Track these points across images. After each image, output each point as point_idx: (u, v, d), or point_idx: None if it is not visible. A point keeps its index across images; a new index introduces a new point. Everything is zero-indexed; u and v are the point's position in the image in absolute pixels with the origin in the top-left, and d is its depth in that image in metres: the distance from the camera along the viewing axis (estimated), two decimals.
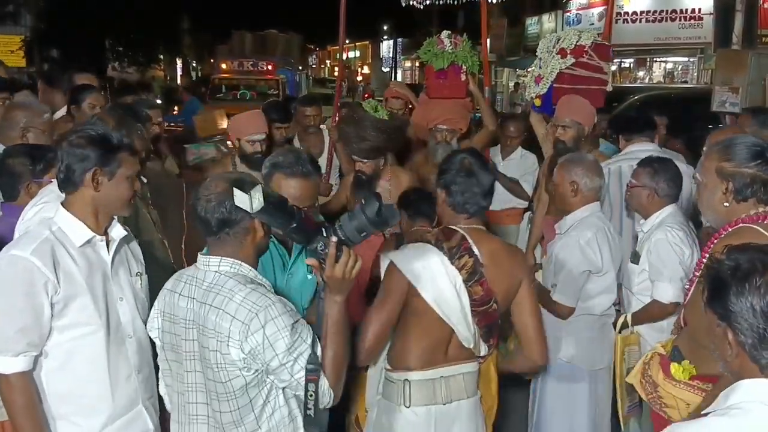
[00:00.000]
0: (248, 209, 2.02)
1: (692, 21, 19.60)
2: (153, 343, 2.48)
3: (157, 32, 25.86)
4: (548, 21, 26.35)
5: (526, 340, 2.82)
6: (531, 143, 5.86)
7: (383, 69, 51.32)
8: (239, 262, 2.20)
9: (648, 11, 20.45)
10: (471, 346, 2.73)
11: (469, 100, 5.44)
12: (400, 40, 44.44)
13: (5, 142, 3.59)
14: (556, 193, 3.68)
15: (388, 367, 2.75)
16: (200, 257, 2.24)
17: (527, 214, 5.52)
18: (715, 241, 2.56)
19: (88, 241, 2.42)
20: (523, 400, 4.12)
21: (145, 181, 3.75)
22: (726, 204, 2.52)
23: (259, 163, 4.54)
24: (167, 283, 2.31)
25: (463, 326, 2.66)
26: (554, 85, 5.03)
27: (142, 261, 2.71)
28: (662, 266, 3.46)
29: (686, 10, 19.68)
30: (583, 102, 4.73)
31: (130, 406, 2.51)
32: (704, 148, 4.38)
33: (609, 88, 5.19)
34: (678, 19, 19.84)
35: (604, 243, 3.46)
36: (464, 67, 5.25)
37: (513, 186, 5.65)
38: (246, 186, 2.05)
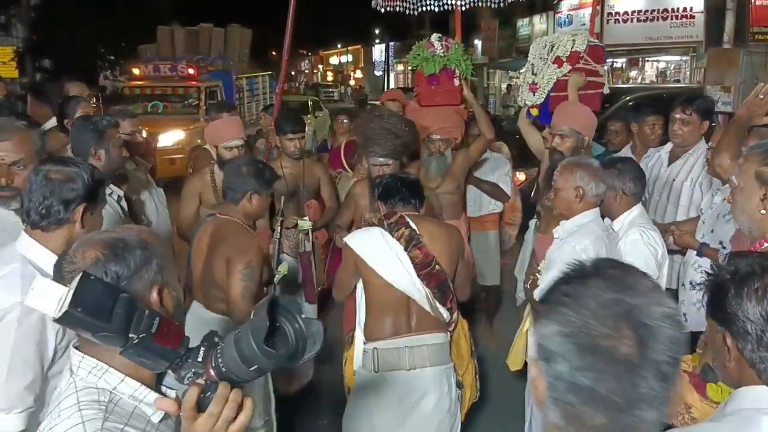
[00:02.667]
0: (48, 311, 1.32)
1: (684, 20, 19.63)
2: None
3: (147, 40, 25.77)
4: (539, 22, 26.38)
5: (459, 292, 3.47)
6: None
7: (376, 73, 51.35)
8: (106, 367, 1.50)
9: (639, 11, 20.48)
10: (429, 309, 3.22)
11: (463, 107, 5.17)
12: (392, 43, 44.51)
13: None
14: (557, 198, 3.50)
15: (364, 340, 3.29)
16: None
17: (533, 221, 5.13)
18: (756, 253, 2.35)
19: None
20: (519, 397, 4.12)
21: (122, 195, 3.77)
22: (763, 211, 2.36)
23: None
24: None
25: (412, 288, 3.18)
26: (551, 93, 4.82)
27: None
28: (638, 266, 3.43)
29: (678, 9, 19.71)
30: (582, 109, 4.47)
31: None
32: (659, 148, 4.50)
33: (606, 90, 4.99)
34: (669, 18, 19.86)
35: (601, 251, 3.33)
36: (457, 71, 4.97)
37: (492, 189, 5.49)
38: (117, 258, 1.48)
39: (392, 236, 3.21)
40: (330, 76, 67.56)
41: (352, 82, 53.93)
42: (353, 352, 3.40)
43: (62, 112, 4.79)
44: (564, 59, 4.73)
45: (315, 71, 77.66)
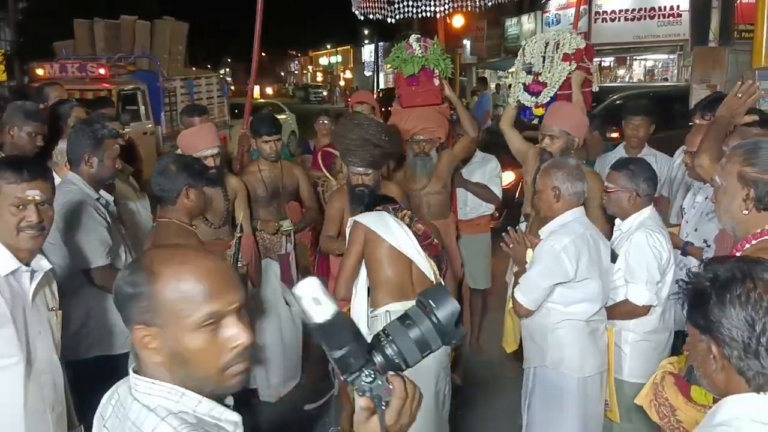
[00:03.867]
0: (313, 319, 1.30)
1: (671, 18, 19.70)
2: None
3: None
4: (528, 22, 26.42)
5: None
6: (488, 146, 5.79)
7: (365, 73, 51.35)
8: (182, 390, 1.40)
9: (627, 9, 20.55)
10: (430, 276, 3.57)
11: (446, 106, 5.11)
12: (381, 44, 44.49)
13: None
14: (539, 201, 3.57)
15: (371, 309, 3.54)
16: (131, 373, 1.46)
17: (523, 224, 4.97)
18: (738, 254, 2.35)
19: (13, 272, 2.35)
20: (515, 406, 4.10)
21: (111, 200, 3.73)
22: (746, 212, 2.34)
23: (215, 179, 4.28)
24: (103, 398, 1.53)
25: (417, 256, 3.56)
26: (557, 92, 4.74)
27: (57, 297, 2.61)
28: (640, 269, 3.46)
29: (665, 7, 19.77)
30: (573, 109, 4.44)
31: None
32: (682, 148, 4.46)
33: (595, 88, 4.97)
34: (657, 16, 19.93)
35: (583, 250, 3.34)
36: (437, 71, 4.92)
37: (482, 192, 5.44)
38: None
39: (397, 216, 3.60)
40: (320, 77, 67.51)
41: (342, 83, 53.90)
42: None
43: (56, 115, 4.77)
44: (572, 56, 4.69)
45: (305, 72, 77.60)
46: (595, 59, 5.11)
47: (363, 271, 3.70)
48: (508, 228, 3.66)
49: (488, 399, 4.91)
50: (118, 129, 4.58)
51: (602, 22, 20.30)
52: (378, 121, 4.68)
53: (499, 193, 5.54)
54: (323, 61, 70.20)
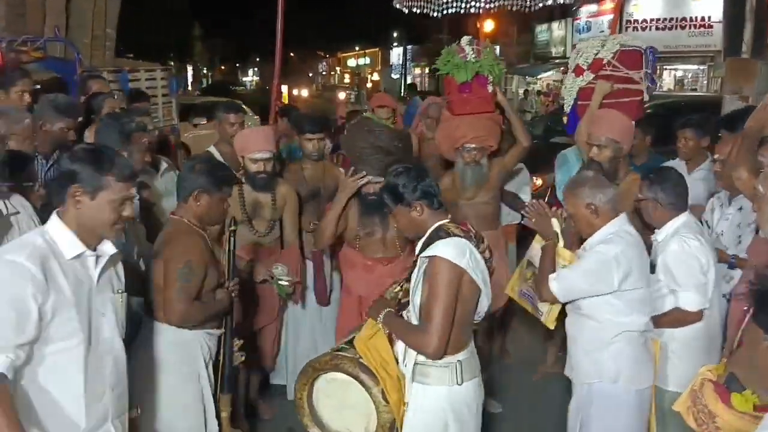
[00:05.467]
0: None
1: (702, 29, 19.57)
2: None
3: (168, 39, 26.10)
4: (558, 29, 26.37)
5: None
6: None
7: (393, 76, 51.41)
8: None
9: (658, 19, 20.44)
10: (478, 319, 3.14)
11: (498, 114, 4.83)
12: (409, 47, 44.55)
13: None
14: (575, 223, 3.41)
15: (439, 358, 2.91)
16: None
17: None
18: None
19: (78, 256, 2.40)
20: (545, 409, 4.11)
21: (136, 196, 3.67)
22: None
23: (264, 184, 4.32)
24: None
25: (486, 289, 3.01)
26: (579, 102, 4.65)
27: (123, 279, 2.67)
28: (685, 276, 3.41)
29: (696, 18, 19.65)
30: (619, 117, 4.26)
31: (99, 424, 2.47)
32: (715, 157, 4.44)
33: (646, 97, 4.70)
34: (688, 27, 19.82)
35: (633, 260, 3.24)
36: (490, 77, 4.62)
37: (513, 201, 5.25)
38: None
39: (478, 250, 2.99)
40: (347, 78, 67.72)
41: (369, 85, 54.03)
42: (392, 384, 2.99)
43: (89, 108, 4.86)
44: (585, 67, 4.58)
45: (332, 73, 77.89)
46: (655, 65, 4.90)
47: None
48: (531, 201, 3.62)
49: (518, 402, 4.92)
50: (148, 124, 4.59)
51: (633, 30, 20.18)
52: (389, 126, 4.56)
53: (528, 200, 5.30)
54: (351, 62, 70.40)
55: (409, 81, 43.82)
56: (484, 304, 3.01)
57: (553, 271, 3.40)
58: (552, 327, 3.65)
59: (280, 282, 4.26)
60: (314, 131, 4.74)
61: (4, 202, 2.91)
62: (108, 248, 2.50)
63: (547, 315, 3.60)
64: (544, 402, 4.86)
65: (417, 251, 3.00)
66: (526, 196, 5.39)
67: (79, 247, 2.39)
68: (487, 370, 4.93)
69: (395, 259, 4.18)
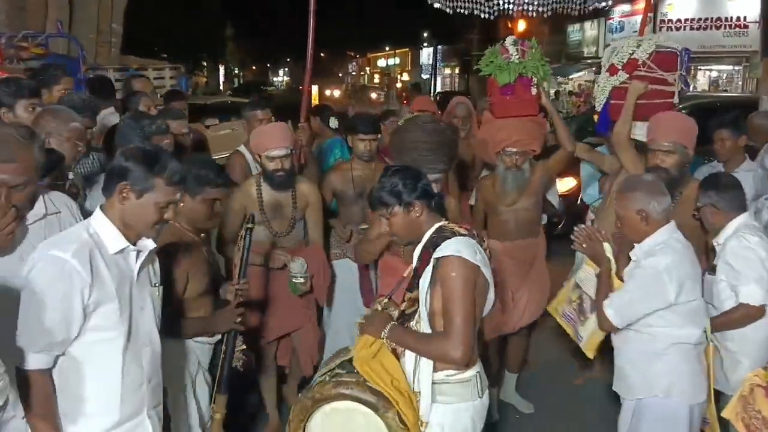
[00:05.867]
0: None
1: (737, 29, 19.30)
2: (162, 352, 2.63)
3: (201, 40, 26.37)
4: (590, 28, 26.14)
5: None
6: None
7: (423, 76, 51.35)
8: None
9: (692, 19, 20.19)
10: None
11: (542, 117, 4.69)
12: (440, 47, 44.46)
13: None
14: (623, 226, 3.26)
15: (455, 370, 2.74)
16: None
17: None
18: None
19: (122, 250, 2.46)
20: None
21: None
22: None
23: (282, 182, 4.19)
24: None
25: (491, 292, 2.86)
26: (611, 101, 4.57)
27: (159, 273, 2.72)
28: (746, 270, 3.38)
29: (731, 18, 19.38)
30: (682, 119, 4.03)
31: (135, 414, 2.52)
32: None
33: (675, 100, 4.55)
34: (723, 27, 19.55)
35: (686, 270, 3.12)
36: (534, 78, 4.45)
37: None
38: None
39: (482, 248, 2.85)
40: (377, 79, 67.76)
41: (398, 85, 54.02)
42: (406, 403, 2.74)
43: (126, 106, 4.93)
44: (619, 67, 4.48)
45: (362, 73, 77.98)
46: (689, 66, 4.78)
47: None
48: (576, 225, 3.51)
49: (540, 411, 4.90)
50: (180, 127, 4.58)
51: (667, 30, 19.95)
52: (440, 119, 4.51)
53: (556, 203, 5.36)
54: (381, 62, 70.42)
55: (438, 81, 43.89)
56: (488, 306, 2.86)
57: None
58: (591, 356, 3.51)
59: (293, 279, 4.16)
60: (368, 132, 4.67)
61: (44, 201, 2.89)
62: (148, 243, 2.55)
63: (587, 342, 3.49)
64: (574, 404, 4.87)
65: (417, 255, 2.84)
66: (553, 198, 5.31)
67: (122, 241, 2.45)
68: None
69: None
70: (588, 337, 3.45)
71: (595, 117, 4.81)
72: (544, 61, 4.48)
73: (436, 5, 5.47)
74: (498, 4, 5.28)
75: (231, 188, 3.99)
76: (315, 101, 24.84)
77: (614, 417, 3.47)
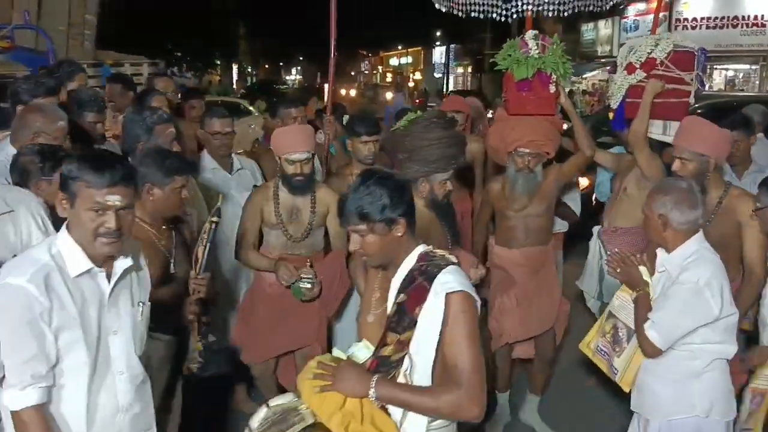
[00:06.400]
0: None
1: (754, 28, 19.11)
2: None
3: (214, 38, 26.44)
4: (605, 27, 25.97)
5: None
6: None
7: (435, 75, 51.25)
8: None
9: (709, 17, 20.00)
10: None
11: (559, 118, 4.47)
12: (452, 46, 44.35)
13: (18, 143, 3.46)
14: (647, 227, 3.16)
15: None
16: None
17: (596, 228, 4.83)
18: None
19: (88, 271, 2.27)
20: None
21: None
22: None
23: (301, 187, 3.99)
24: None
25: None
26: (627, 100, 4.45)
27: (147, 288, 2.55)
28: None
29: (748, 16, 19.20)
30: (711, 128, 3.81)
31: None
32: None
33: (692, 100, 4.45)
34: (740, 25, 19.36)
35: (724, 282, 2.96)
36: (553, 75, 4.23)
37: (561, 210, 4.94)
38: None
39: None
40: (389, 77, 67.72)
41: (411, 84, 53.98)
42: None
43: (140, 103, 4.89)
44: (637, 65, 4.36)
45: (374, 72, 78.00)
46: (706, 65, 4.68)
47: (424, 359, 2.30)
48: (614, 251, 3.34)
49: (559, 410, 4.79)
50: (224, 126, 4.50)
51: (683, 29, 19.78)
52: (440, 113, 4.13)
53: (577, 209, 5.23)
54: (393, 61, 70.40)
55: (451, 80, 43.75)
56: None
57: None
58: (627, 389, 3.22)
59: (300, 284, 3.91)
60: (371, 133, 4.37)
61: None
62: (121, 264, 2.36)
63: (623, 374, 3.20)
64: (581, 404, 4.80)
65: (397, 285, 2.37)
66: (574, 203, 5.18)
67: (84, 263, 2.26)
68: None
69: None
70: (623, 369, 3.19)
71: (610, 115, 4.72)
72: (566, 58, 4.26)
73: (444, 9, 5.28)
74: (515, 6, 5.09)
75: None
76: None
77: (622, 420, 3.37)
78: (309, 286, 3.92)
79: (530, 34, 4.22)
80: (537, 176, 4.25)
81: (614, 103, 4.58)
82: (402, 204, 2.36)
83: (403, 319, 2.30)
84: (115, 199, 2.21)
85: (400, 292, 2.36)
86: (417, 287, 2.31)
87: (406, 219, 2.38)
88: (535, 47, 4.17)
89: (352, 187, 2.39)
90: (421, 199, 3.48)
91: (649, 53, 4.34)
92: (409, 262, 2.40)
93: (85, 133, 4.14)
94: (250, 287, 4.37)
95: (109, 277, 2.34)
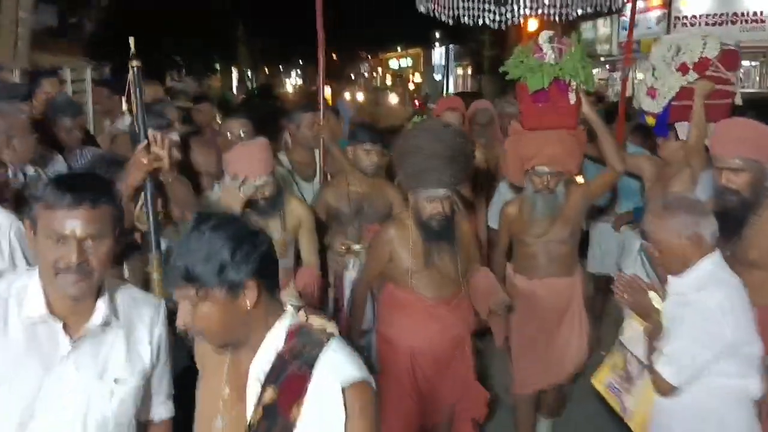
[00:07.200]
0: None
1: (754, 24, 19.07)
2: None
3: (213, 39, 26.42)
4: (603, 26, 25.92)
5: None
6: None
7: (435, 76, 51.20)
8: None
9: (708, 14, 19.96)
10: None
11: (582, 130, 3.98)
12: (451, 46, 44.29)
13: None
14: (663, 257, 2.73)
15: None
16: None
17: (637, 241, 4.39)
18: None
19: (40, 319, 1.86)
20: None
21: None
22: None
23: (267, 209, 3.73)
24: None
25: None
26: (672, 102, 4.14)
27: (135, 364, 2.03)
28: None
29: (748, 12, 19.16)
30: (753, 127, 3.31)
31: None
32: None
33: (738, 101, 4.16)
34: (739, 22, 19.31)
35: (742, 305, 2.64)
36: (573, 83, 3.74)
37: None
38: None
39: None
40: (389, 80, 67.68)
41: (411, 86, 53.91)
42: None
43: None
44: (691, 66, 4.04)
45: (374, 74, 77.91)
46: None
47: None
48: (620, 275, 3.05)
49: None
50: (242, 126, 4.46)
51: (682, 26, 19.74)
52: (451, 123, 3.89)
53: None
54: (393, 63, 70.35)
55: (451, 81, 43.64)
56: None
57: None
58: None
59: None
60: (375, 140, 4.12)
61: None
62: (96, 319, 1.93)
63: (635, 415, 2.89)
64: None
65: (259, 378, 1.73)
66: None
67: (39, 308, 1.86)
68: None
69: (457, 296, 3.54)
70: (635, 408, 2.87)
71: (651, 120, 4.33)
72: (586, 62, 3.78)
73: (432, 13, 5.13)
74: (510, 10, 4.97)
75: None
76: (330, 103, 24.69)
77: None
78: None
79: (544, 36, 3.75)
80: (559, 197, 3.85)
81: (657, 107, 4.23)
82: (252, 260, 1.69)
83: (273, 426, 1.66)
84: (73, 226, 1.80)
85: (265, 386, 1.70)
86: (291, 378, 1.67)
87: (262, 281, 1.72)
88: (551, 51, 3.70)
89: (182, 237, 1.75)
90: (410, 215, 3.41)
91: (702, 53, 4.03)
92: (273, 341, 1.75)
93: (57, 140, 4.14)
94: None
95: (72, 331, 1.89)
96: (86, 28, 22.27)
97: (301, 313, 1.81)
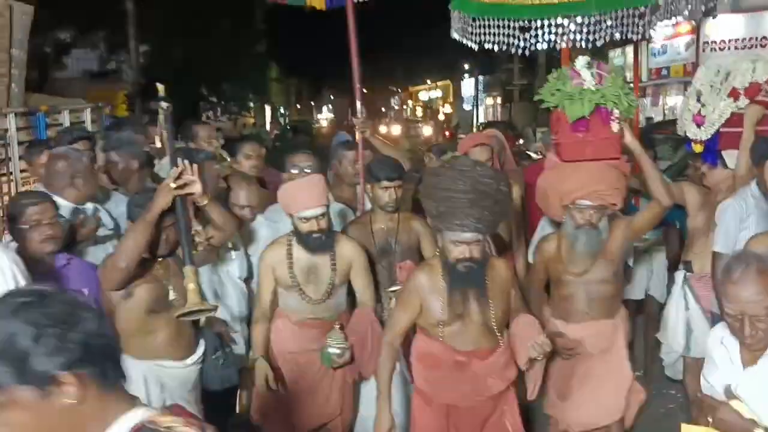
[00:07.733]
0: None
1: None
2: None
3: (247, 81, 27.05)
4: (632, 53, 25.98)
5: None
6: None
7: (465, 107, 51.50)
8: None
9: (737, 39, 19.95)
10: None
11: (625, 161, 3.68)
12: (481, 77, 44.62)
13: (55, 191, 3.72)
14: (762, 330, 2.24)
15: None
16: None
17: (680, 273, 4.27)
18: None
19: None
20: None
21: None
22: None
23: (319, 245, 3.59)
24: None
25: None
26: (721, 129, 3.98)
27: None
28: None
29: None
30: None
31: None
32: None
33: None
34: None
35: None
36: (615, 111, 3.43)
37: None
38: None
39: None
40: (419, 112, 68.19)
41: (441, 117, 54.18)
42: None
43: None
44: (741, 91, 3.88)
45: (404, 107, 78.58)
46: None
47: None
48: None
49: None
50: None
51: (711, 51, 19.75)
52: (486, 164, 3.68)
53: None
54: (423, 95, 70.95)
55: (481, 112, 43.75)
56: None
57: None
58: None
59: (327, 348, 3.52)
60: (392, 178, 3.90)
61: None
62: None
63: None
64: None
65: None
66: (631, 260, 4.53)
67: None
68: None
69: (495, 350, 3.20)
70: None
71: (697, 147, 4.23)
72: (628, 89, 3.51)
73: (465, 40, 4.97)
74: (535, 36, 4.78)
75: None
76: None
77: None
78: (339, 351, 3.52)
79: (582, 61, 3.48)
80: (601, 233, 3.55)
81: (705, 134, 4.08)
82: (65, 348, 1.33)
83: None
84: None
85: None
86: None
87: (86, 371, 1.35)
88: (591, 77, 3.42)
89: None
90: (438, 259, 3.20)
91: (752, 77, 3.91)
92: None
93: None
94: (270, 353, 3.75)
95: None
96: (125, 72, 23.14)
97: (152, 411, 1.46)
